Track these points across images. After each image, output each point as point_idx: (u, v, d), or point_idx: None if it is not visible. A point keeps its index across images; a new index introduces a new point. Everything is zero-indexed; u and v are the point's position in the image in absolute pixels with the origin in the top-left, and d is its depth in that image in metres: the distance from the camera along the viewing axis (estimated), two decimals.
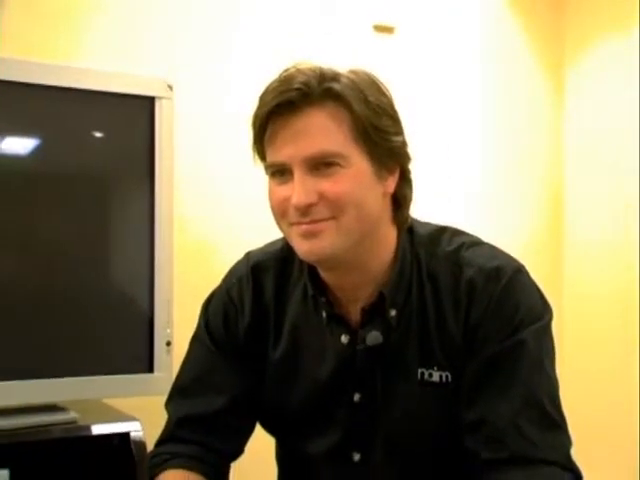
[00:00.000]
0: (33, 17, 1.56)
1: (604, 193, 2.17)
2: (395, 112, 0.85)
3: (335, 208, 0.80)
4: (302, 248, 0.82)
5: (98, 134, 1.28)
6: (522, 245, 2.07)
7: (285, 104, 0.79)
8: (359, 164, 0.81)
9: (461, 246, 0.88)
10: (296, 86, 0.79)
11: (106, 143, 1.29)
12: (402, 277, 0.87)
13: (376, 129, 0.81)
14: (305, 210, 0.80)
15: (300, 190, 0.79)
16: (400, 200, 0.87)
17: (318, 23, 1.89)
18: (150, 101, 1.26)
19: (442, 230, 0.92)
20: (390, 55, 1.98)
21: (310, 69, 0.81)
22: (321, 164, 0.80)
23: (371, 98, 0.81)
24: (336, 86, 0.80)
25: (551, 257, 2.27)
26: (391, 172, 0.85)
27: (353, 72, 0.83)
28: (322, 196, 0.79)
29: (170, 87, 1.28)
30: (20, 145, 1.25)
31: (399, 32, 2.01)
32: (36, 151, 1.23)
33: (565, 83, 2.29)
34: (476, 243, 0.90)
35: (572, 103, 2.27)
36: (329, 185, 0.79)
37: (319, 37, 1.87)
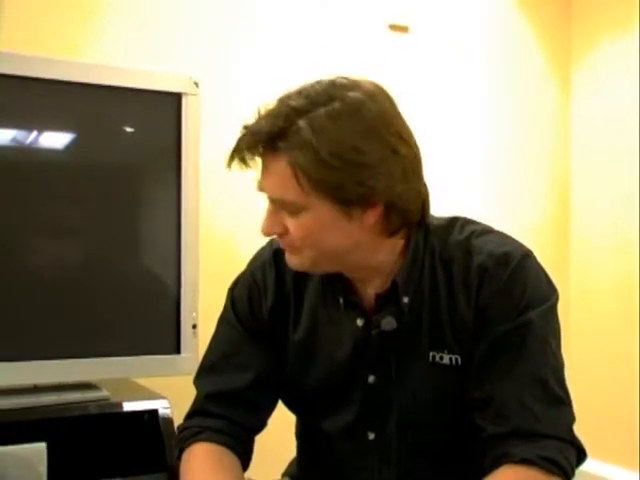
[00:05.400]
0: (65, 17, 1.61)
1: (609, 184, 2.20)
2: (371, 149, 0.80)
3: (295, 245, 0.86)
4: (288, 262, 0.90)
5: (128, 129, 1.32)
6: (530, 233, 2.11)
7: (253, 149, 0.82)
8: (321, 209, 0.81)
9: (472, 234, 0.91)
10: (261, 135, 0.81)
11: (136, 137, 1.32)
12: (414, 266, 0.90)
13: (331, 185, 0.79)
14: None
15: (266, 222, 0.86)
16: (389, 227, 0.86)
17: (335, 23, 1.93)
18: (177, 97, 1.30)
19: (454, 220, 0.94)
20: (405, 53, 2.01)
21: (275, 115, 0.81)
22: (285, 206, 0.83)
23: (327, 151, 0.78)
24: (286, 145, 0.79)
25: (558, 245, 2.30)
26: (368, 207, 0.82)
27: (334, 99, 0.80)
28: (287, 230, 0.85)
29: (196, 84, 1.31)
30: (56, 139, 1.29)
31: (414, 31, 2.04)
32: (71, 145, 1.28)
33: (572, 78, 2.31)
34: (486, 231, 0.92)
35: (579, 98, 2.30)
36: (291, 223, 0.84)
37: (336, 36, 1.91)
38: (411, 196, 0.85)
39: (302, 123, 0.79)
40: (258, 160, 0.85)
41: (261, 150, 0.82)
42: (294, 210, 0.83)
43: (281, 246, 0.90)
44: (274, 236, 0.91)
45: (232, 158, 0.84)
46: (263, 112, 0.83)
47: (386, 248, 0.89)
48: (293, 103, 0.81)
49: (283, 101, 0.83)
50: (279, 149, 0.80)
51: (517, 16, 2.25)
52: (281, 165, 0.81)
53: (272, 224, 0.86)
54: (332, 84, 0.83)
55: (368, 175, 0.80)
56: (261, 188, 0.86)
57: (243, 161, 0.84)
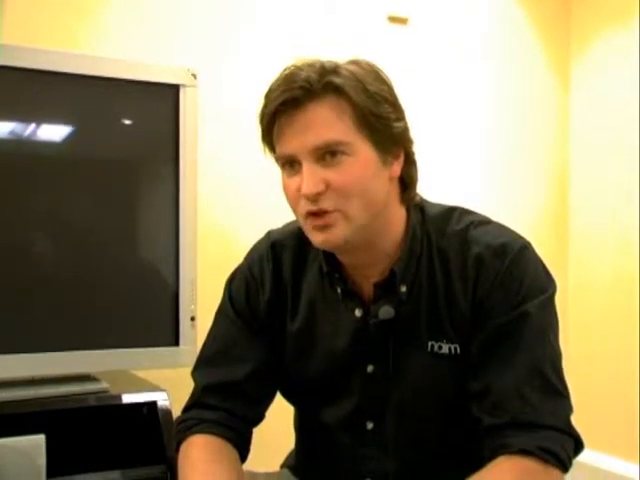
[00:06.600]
0: (64, 9, 1.61)
1: (608, 179, 2.20)
2: (395, 99, 0.87)
3: (342, 197, 0.83)
4: (317, 239, 0.86)
5: (127, 120, 1.32)
6: (528, 228, 2.11)
7: (289, 101, 0.82)
8: (364, 152, 0.84)
9: (470, 225, 0.91)
10: (298, 84, 0.82)
11: (134, 129, 1.33)
12: (412, 254, 0.90)
13: (377, 117, 0.83)
14: (314, 198, 0.83)
15: (308, 179, 0.82)
16: (407, 181, 0.91)
17: (334, 14, 1.93)
18: (175, 89, 1.30)
19: (452, 210, 0.94)
20: (404, 45, 2.01)
21: (310, 65, 0.83)
22: (327, 154, 0.82)
23: (371, 87, 0.83)
24: (336, 79, 0.82)
25: (556, 240, 2.31)
26: (396, 157, 0.87)
27: (353, 62, 0.86)
28: (329, 185, 0.82)
29: (194, 76, 1.32)
30: (54, 131, 1.29)
31: (413, 23, 2.04)
32: (69, 137, 1.28)
33: (571, 72, 2.31)
34: (484, 222, 0.92)
35: (578, 93, 2.30)
36: (336, 175, 0.82)
37: (334, 28, 1.91)
38: (414, 159, 0.91)
39: (343, 68, 0.84)
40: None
41: (302, 99, 0.82)
42: (340, 151, 0.82)
43: (318, 213, 0.84)
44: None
45: (269, 113, 0.83)
46: (281, 82, 0.83)
47: (395, 223, 0.90)
48: (317, 64, 0.84)
49: (302, 67, 0.84)
50: (327, 87, 0.82)
51: (516, 9, 2.25)
52: (329, 105, 0.82)
53: (315, 181, 0.82)
54: (327, 62, 0.85)
55: (401, 115, 0.87)
56: (296, 148, 0.83)
57: (274, 117, 0.83)
